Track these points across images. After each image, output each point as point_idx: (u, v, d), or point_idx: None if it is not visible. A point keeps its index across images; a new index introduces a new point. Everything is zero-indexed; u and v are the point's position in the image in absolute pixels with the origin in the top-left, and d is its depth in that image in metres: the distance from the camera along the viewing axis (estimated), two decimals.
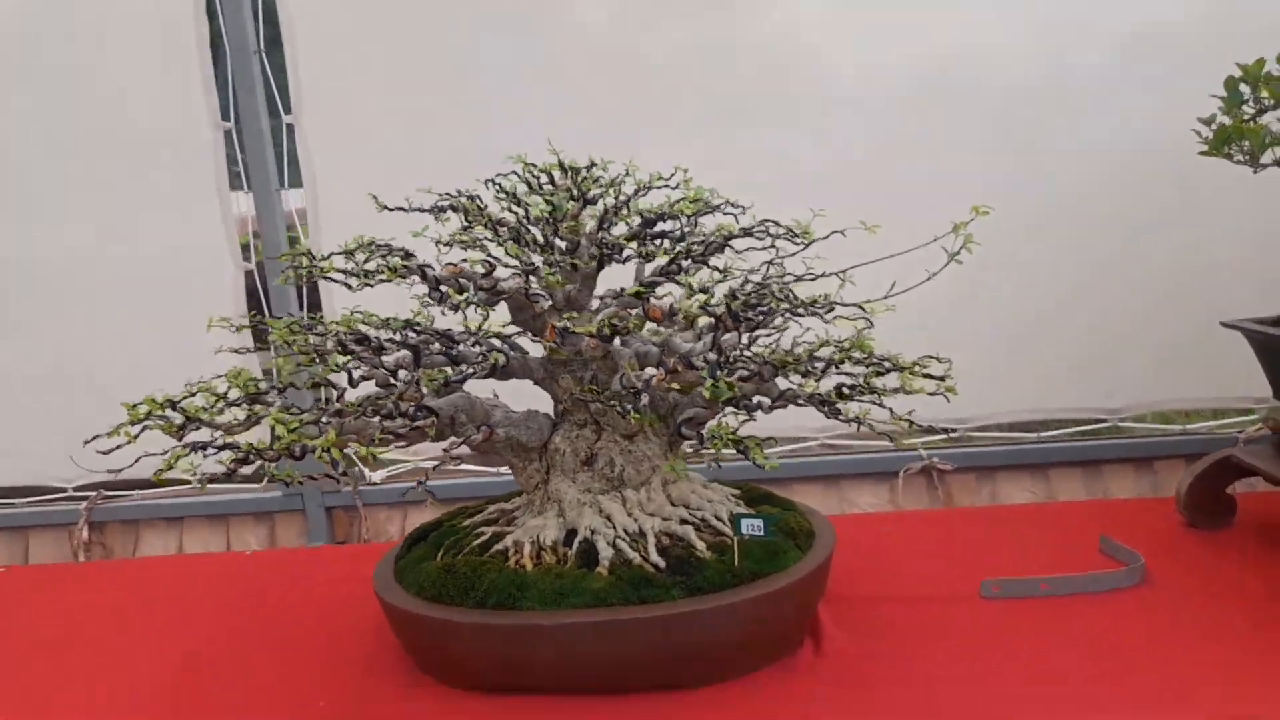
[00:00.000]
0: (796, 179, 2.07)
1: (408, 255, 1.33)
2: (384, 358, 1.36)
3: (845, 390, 1.35)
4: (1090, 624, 1.36)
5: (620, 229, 1.37)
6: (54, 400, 2.37)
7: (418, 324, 1.39)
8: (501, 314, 1.46)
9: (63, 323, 2.36)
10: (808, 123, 2.13)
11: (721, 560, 1.31)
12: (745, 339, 1.46)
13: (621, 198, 1.36)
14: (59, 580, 2.01)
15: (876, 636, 1.37)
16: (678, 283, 1.31)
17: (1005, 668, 1.27)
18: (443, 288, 1.36)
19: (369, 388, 1.37)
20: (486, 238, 1.35)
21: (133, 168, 2.27)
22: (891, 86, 2.11)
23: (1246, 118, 1.52)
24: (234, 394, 1.36)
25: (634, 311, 1.27)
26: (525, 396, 1.49)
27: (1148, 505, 1.82)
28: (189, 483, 1.23)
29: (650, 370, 1.19)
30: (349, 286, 1.30)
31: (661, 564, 1.30)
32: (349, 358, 1.32)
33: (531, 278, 1.29)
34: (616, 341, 1.44)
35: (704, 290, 1.42)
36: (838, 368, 1.35)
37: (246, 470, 1.26)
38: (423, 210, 1.37)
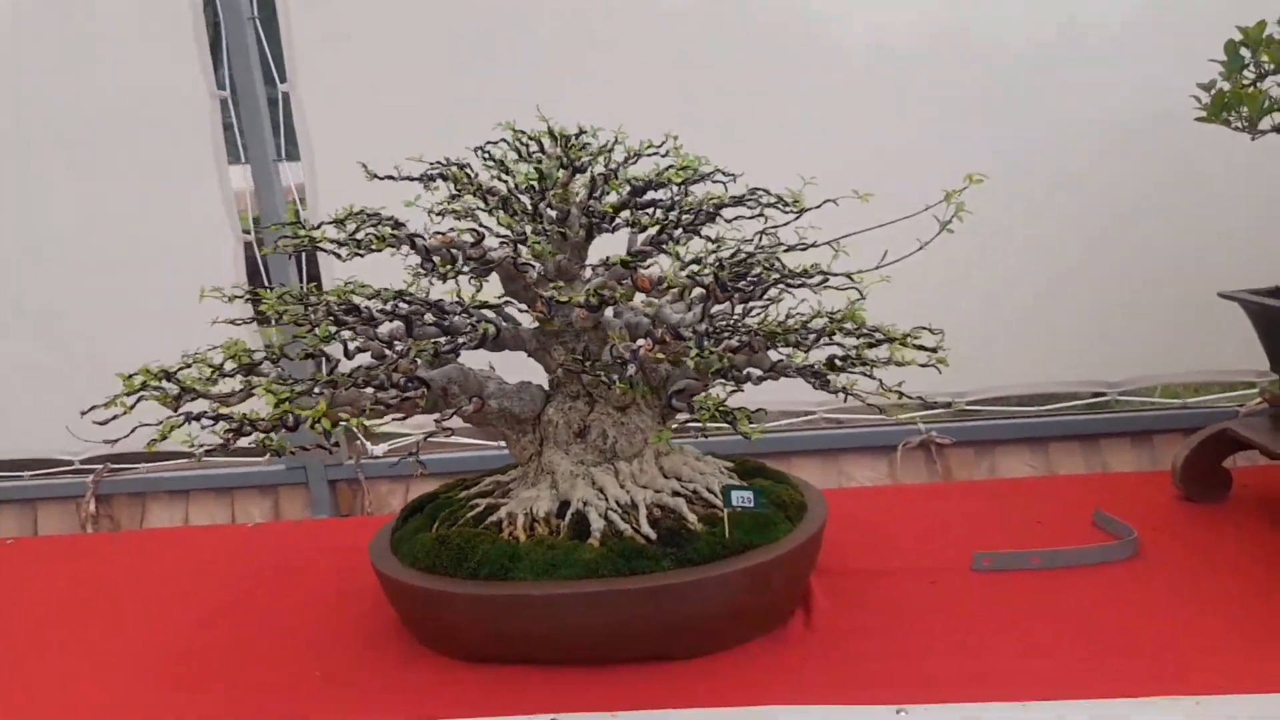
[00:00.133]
0: (803, 146, 2.06)
1: (397, 225, 1.32)
2: (379, 329, 1.37)
3: (837, 362, 1.35)
4: (1081, 597, 1.36)
5: (611, 198, 1.36)
6: (57, 372, 2.39)
7: (409, 295, 1.39)
8: (497, 285, 1.46)
9: (63, 295, 2.37)
10: (815, 90, 2.11)
11: (712, 532, 1.31)
12: (740, 310, 1.46)
13: (611, 165, 1.35)
14: (63, 552, 2.03)
15: (867, 608, 1.38)
16: (666, 252, 1.30)
17: (994, 640, 1.27)
18: (435, 258, 1.36)
19: (366, 359, 1.38)
20: (477, 207, 1.35)
21: (129, 139, 2.26)
22: (902, 51, 2.08)
23: (1246, 83, 1.49)
24: (230, 365, 1.37)
25: (624, 282, 1.26)
26: (520, 368, 1.50)
27: (1144, 479, 1.82)
28: (192, 455, 1.24)
29: (639, 341, 1.19)
30: (339, 256, 1.30)
31: (653, 535, 1.31)
32: (340, 328, 1.32)
33: (520, 247, 1.28)
34: (609, 312, 1.44)
35: (696, 261, 1.42)
36: (830, 339, 1.34)
37: (244, 442, 1.27)
38: (411, 179, 1.36)
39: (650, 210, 1.37)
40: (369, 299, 1.33)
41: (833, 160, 2.01)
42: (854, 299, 1.35)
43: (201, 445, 1.25)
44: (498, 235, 1.43)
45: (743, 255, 1.27)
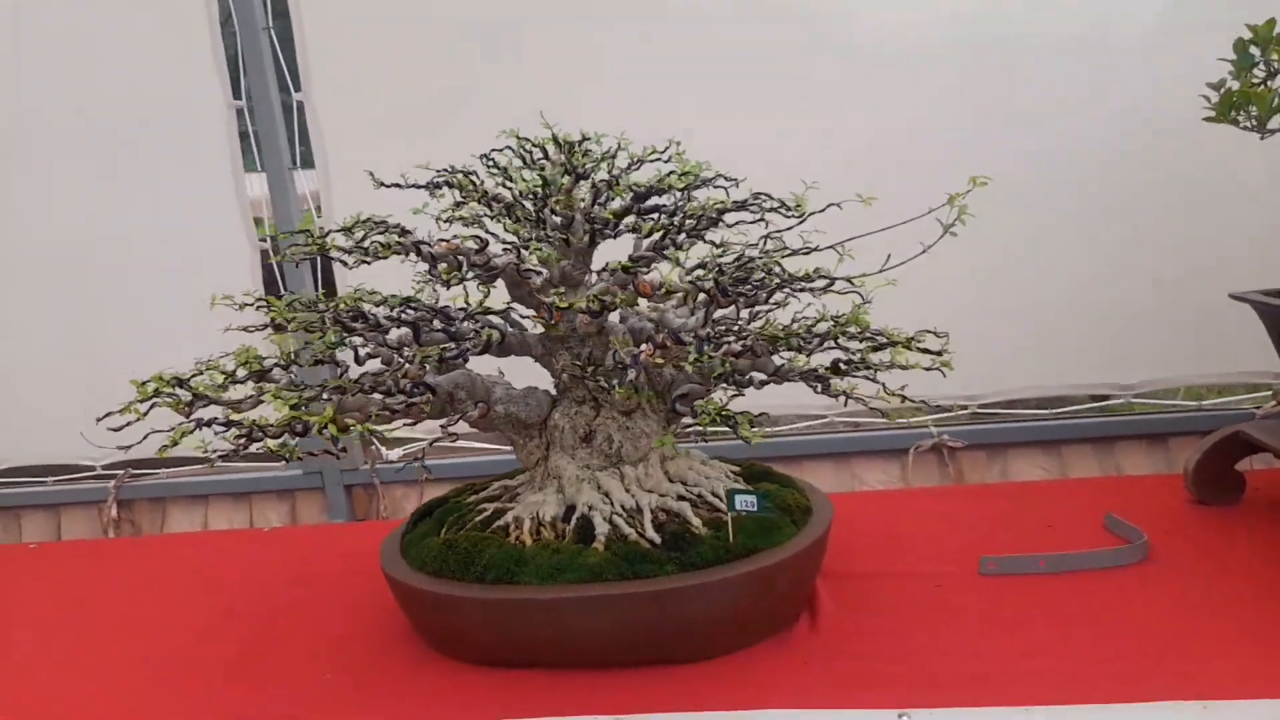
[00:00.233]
0: (833, 144, 2.07)
1: (404, 232, 1.34)
2: (388, 335, 1.39)
3: (841, 365, 1.35)
4: (1088, 601, 1.35)
5: (616, 203, 1.37)
6: (79, 379, 2.43)
7: (416, 301, 1.40)
8: (504, 291, 1.48)
9: (83, 303, 2.41)
10: (846, 86, 2.11)
11: (717, 536, 1.32)
12: (746, 314, 1.46)
13: (615, 171, 1.36)
14: (80, 557, 2.07)
15: (872, 612, 1.38)
16: (665, 258, 1.31)
17: (998, 644, 1.26)
18: (442, 264, 1.38)
19: (376, 365, 1.40)
20: (483, 214, 1.36)
21: (147, 148, 2.30)
22: (919, 51, 2.07)
23: (1257, 81, 1.48)
24: (241, 372, 1.39)
25: (627, 288, 1.27)
26: (530, 373, 1.51)
27: (1158, 482, 1.80)
28: (207, 460, 1.26)
29: (640, 346, 1.19)
30: (345, 264, 1.32)
31: (657, 540, 1.31)
32: (348, 334, 1.34)
33: (523, 253, 1.30)
34: (615, 317, 1.45)
35: (702, 265, 1.42)
36: (835, 342, 1.34)
37: (256, 448, 1.29)
38: (418, 186, 1.38)
39: (655, 215, 1.39)
40: (376, 305, 1.35)
41: (848, 161, 2.04)
42: (859, 303, 1.36)
43: (215, 450, 1.28)
44: (504, 242, 1.45)
45: (743, 260, 1.27)
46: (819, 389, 1.25)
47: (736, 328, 1.41)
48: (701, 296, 1.28)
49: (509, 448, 2.30)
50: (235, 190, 2.32)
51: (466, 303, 1.46)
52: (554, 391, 1.49)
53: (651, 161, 1.38)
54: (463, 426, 1.41)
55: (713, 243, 1.45)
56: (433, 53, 2.22)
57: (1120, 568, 1.43)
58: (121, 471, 2.52)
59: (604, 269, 1.32)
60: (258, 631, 1.53)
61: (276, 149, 2.28)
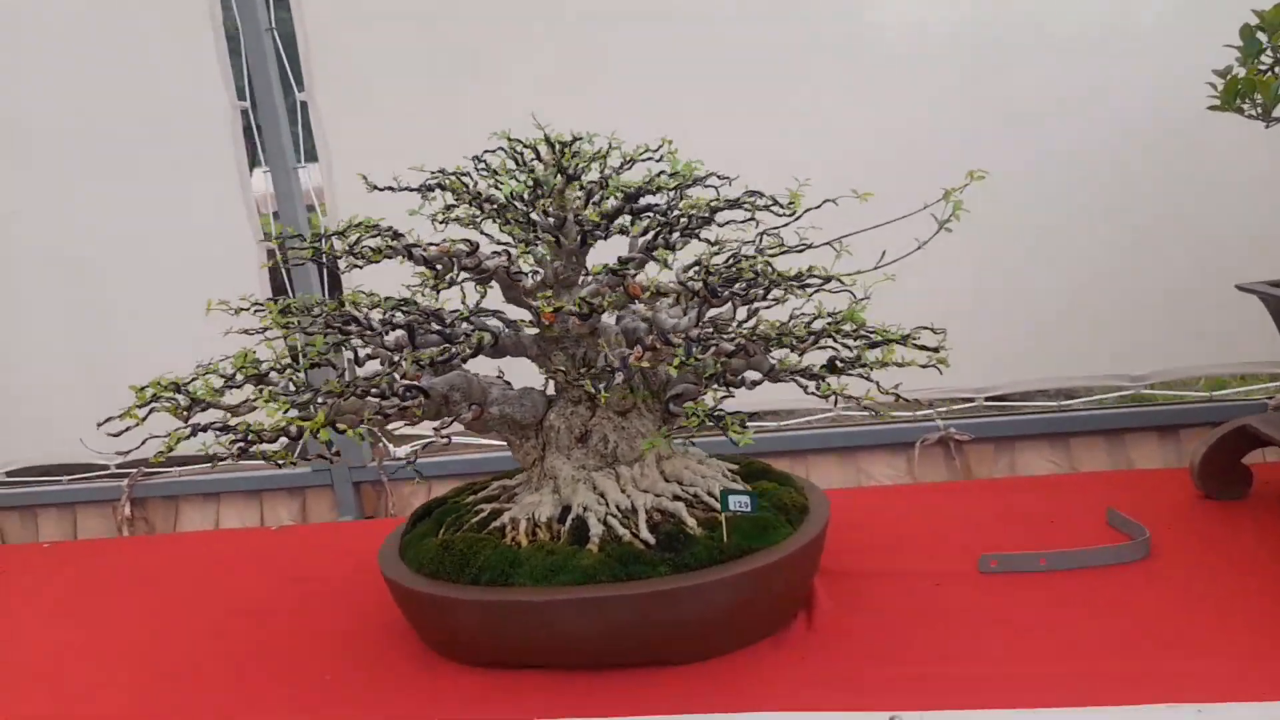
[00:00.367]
0: (836, 143, 2.05)
1: (396, 235, 1.34)
2: (387, 337, 1.39)
3: (838, 364, 1.34)
4: (1088, 600, 1.34)
5: (609, 203, 1.37)
6: (89, 378, 2.46)
7: (410, 303, 1.41)
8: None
9: (94, 303, 2.44)
10: (854, 81, 2.09)
11: (711, 536, 1.32)
12: (744, 311, 1.45)
13: (607, 172, 1.35)
14: (90, 556, 2.09)
15: (870, 611, 1.37)
16: (654, 259, 1.30)
17: (995, 645, 1.25)
18: (437, 266, 1.38)
19: (375, 367, 1.41)
20: (475, 216, 1.36)
21: (154, 151, 2.32)
22: (934, 47, 2.05)
23: (1263, 68, 1.45)
24: (240, 376, 1.40)
25: (617, 289, 1.27)
26: (531, 373, 1.51)
27: (1165, 476, 1.78)
28: (210, 460, 1.27)
29: (631, 347, 1.19)
30: (336, 269, 1.32)
31: (651, 540, 1.31)
32: (345, 338, 1.35)
33: (512, 254, 1.29)
34: (610, 318, 1.45)
35: (698, 263, 1.42)
36: (834, 339, 1.34)
37: (253, 451, 1.30)
38: (410, 189, 1.38)
39: (648, 215, 1.38)
40: (371, 309, 1.35)
41: (852, 159, 2.02)
42: (858, 299, 1.34)
43: (215, 452, 1.29)
44: (499, 243, 1.44)
45: (733, 260, 1.26)
46: (809, 389, 1.24)
47: (733, 326, 1.41)
48: (693, 297, 1.27)
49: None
50: (241, 191, 2.34)
51: (464, 304, 1.47)
52: (551, 392, 1.49)
53: (643, 161, 1.38)
54: (460, 427, 1.42)
55: (708, 241, 1.45)
56: (435, 51, 2.21)
57: (1122, 565, 1.41)
58: (134, 470, 2.55)
59: (596, 270, 1.31)
60: (260, 632, 1.55)
61: (280, 149, 2.29)
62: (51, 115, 2.36)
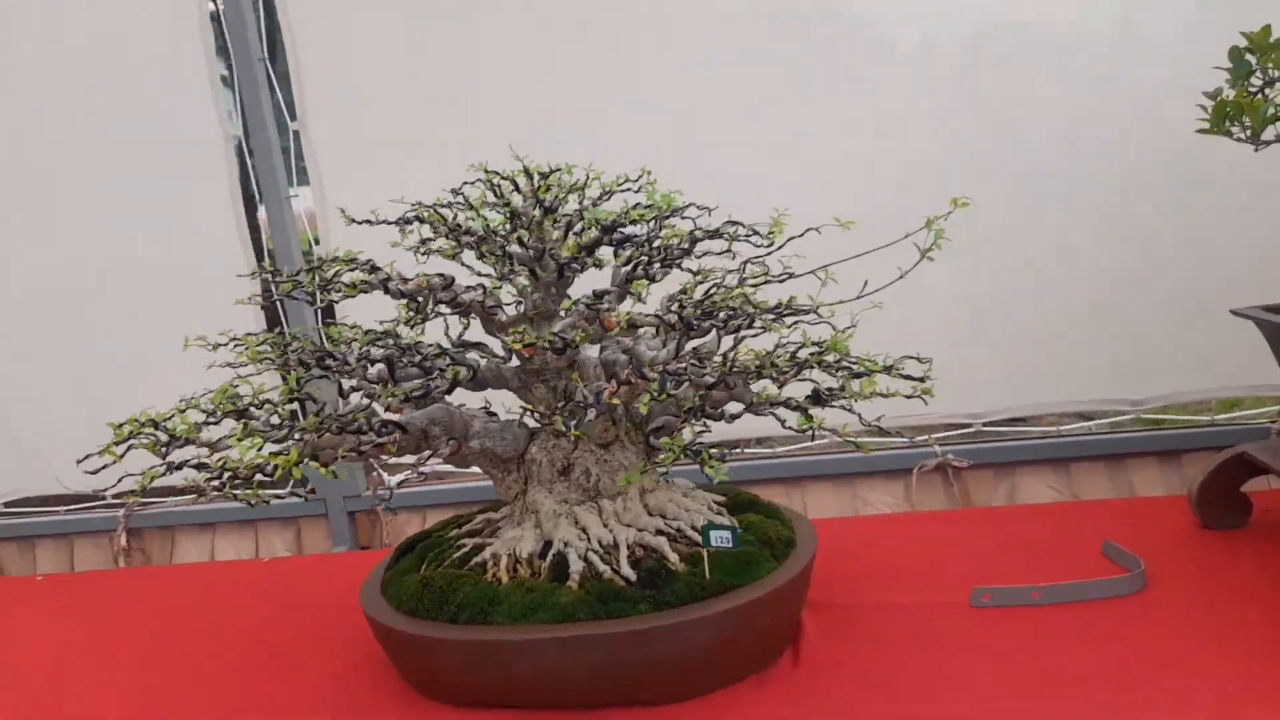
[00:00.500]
0: (849, 155, 2.04)
1: (373, 269, 1.33)
2: (370, 371, 1.38)
3: (822, 394, 1.32)
4: (1081, 634, 1.30)
5: (590, 234, 1.36)
6: (89, 410, 2.45)
7: (391, 336, 1.40)
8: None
9: (87, 335, 2.44)
10: (860, 91, 2.08)
11: (693, 572, 1.29)
12: (730, 341, 1.43)
13: (585, 203, 1.34)
14: (77, 589, 2.08)
15: (859, 646, 1.34)
16: (629, 293, 1.28)
17: (984, 681, 1.22)
18: (419, 299, 1.37)
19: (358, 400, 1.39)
20: (450, 249, 1.35)
21: (147, 181, 2.33)
22: (947, 54, 2.04)
23: (1253, 90, 1.43)
24: (220, 411, 1.39)
25: (593, 323, 1.25)
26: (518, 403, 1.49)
27: (1164, 504, 1.74)
28: (203, 493, 1.25)
29: (603, 383, 1.17)
30: (310, 303, 1.31)
31: (632, 576, 1.29)
32: (319, 373, 1.34)
33: (488, 288, 1.28)
34: (595, 349, 1.43)
35: (684, 292, 1.40)
36: (817, 368, 1.31)
37: (228, 493, 1.28)
38: (388, 222, 1.37)
39: (629, 245, 1.36)
40: (348, 343, 1.34)
41: (854, 175, 2.02)
42: (842, 329, 1.32)
43: (193, 484, 1.28)
44: (480, 274, 1.43)
45: (714, 289, 1.25)
46: (786, 423, 1.21)
47: (719, 358, 1.39)
48: (670, 330, 1.26)
49: None
50: (236, 221, 2.34)
51: (447, 335, 1.45)
52: (532, 424, 1.47)
53: (621, 192, 1.36)
54: (440, 461, 1.40)
55: (691, 271, 1.43)
56: (427, 79, 2.22)
57: (1118, 598, 1.38)
58: (130, 500, 2.54)
59: (566, 306, 1.30)
60: (238, 669, 1.52)
61: (274, 179, 2.30)
62: (46, 145, 2.37)
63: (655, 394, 1.11)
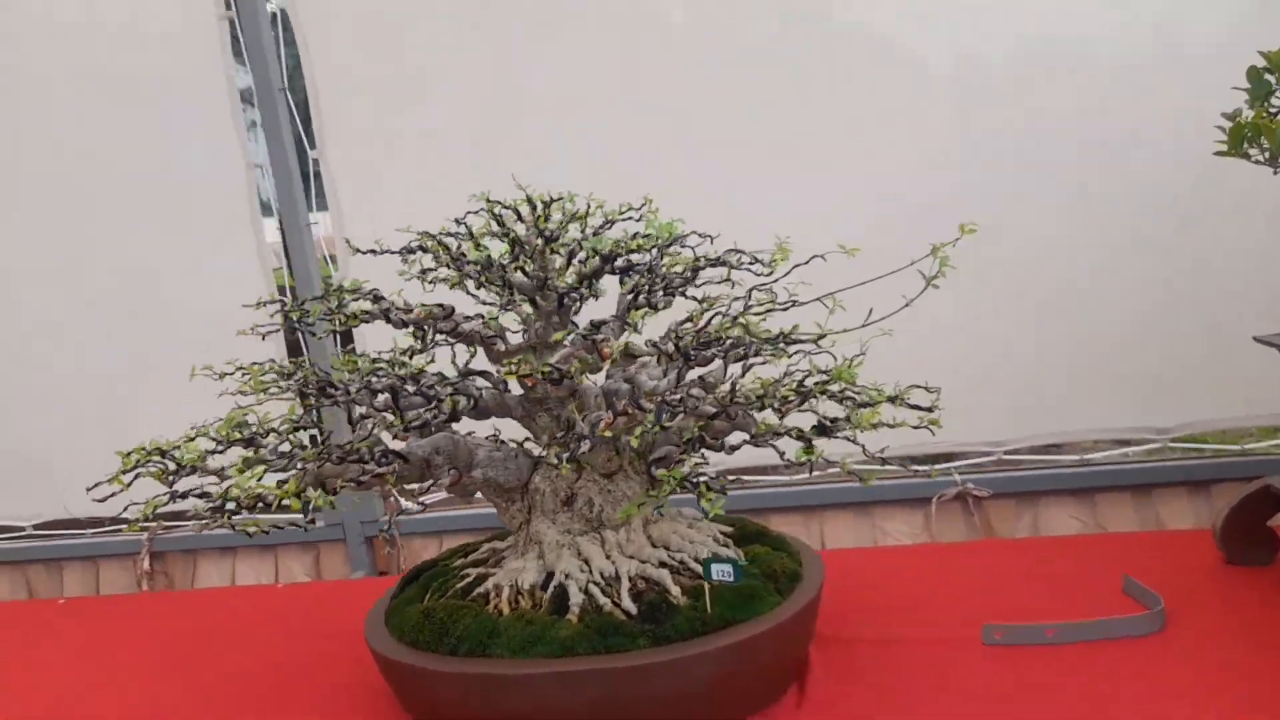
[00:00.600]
0: (885, 178, 2.03)
1: (377, 299, 1.34)
2: (377, 399, 1.38)
3: (827, 424, 1.30)
4: (1095, 675, 1.26)
5: (592, 263, 1.35)
6: (112, 433, 2.49)
7: (399, 364, 1.40)
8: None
9: (113, 358, 2.48)
10: (897, 115, 2.05)
11: (694, 606, 1.27)
12: (739, 369, 1.42)
13: (587, 231, 1.34)
14: (95, 613, 2.10)
15: (864, 685, 1.31)
16: (626, 323, 1.27)
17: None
18: (424, 328, 1.37)
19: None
20: (456, 277, 1.35)
21: (171, 210, 2.37)
22: (985, 76, 2.01)
23: (1273, 110, 1.39)
24: (226, 440, 1.40)
25: (593, 353, 1.24)
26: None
27: (1189, 537, 1.68)
28: (204, 519, 1.26)
29: (600, 414, 1.16)
30: (312, 334, 1.32)
31: (633, 610, 1.27)
32: (327, 401, 1.34)
33: (485, 318, 1.28)
34: (601, 376, 1.42)
35: (689, 320, 1.39)
36: (821, 397, 1.29)
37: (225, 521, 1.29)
38: (391, 252, 1.38)
39: (630, 274, 1.36)
40: (350, 372, 1.35)
41: (874, 199, 1.99)
42: (850, 358, 1.30)
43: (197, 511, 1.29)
44: (484, 303, 1.43)
45: (714, 316, 1.23)
46: (785, 456, 1.19)
47: (723, 386, 1.37)
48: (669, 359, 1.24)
49: None
50: (257, 251, 2.37)
51: (455, 364, 1.45)
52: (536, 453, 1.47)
53: (623, 220, 1.36)
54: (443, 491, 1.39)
55: (695, 298, 1.42)
56: (443, 111, 2.23)
57: (1135, 637, 1.33)
58: (153, 524, 2.57)
59: (558, 338, 1.29)
60: (245, 698, 1.53)
61: (293, 207, 2.32)
62: (68, 175, 2.42)
63: (649, 426, 1.10)
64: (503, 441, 1.49)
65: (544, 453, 1.25)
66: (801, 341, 1.26)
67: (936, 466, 2.12)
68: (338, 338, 2.40)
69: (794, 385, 1.30)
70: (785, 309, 1.32)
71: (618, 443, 1.35)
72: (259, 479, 1.23)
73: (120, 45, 2.33)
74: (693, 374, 1.37)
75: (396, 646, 1.35)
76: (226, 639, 1.80)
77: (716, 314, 1.34)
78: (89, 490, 1.36)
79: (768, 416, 1.25)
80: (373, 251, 1.38)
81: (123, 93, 2.35)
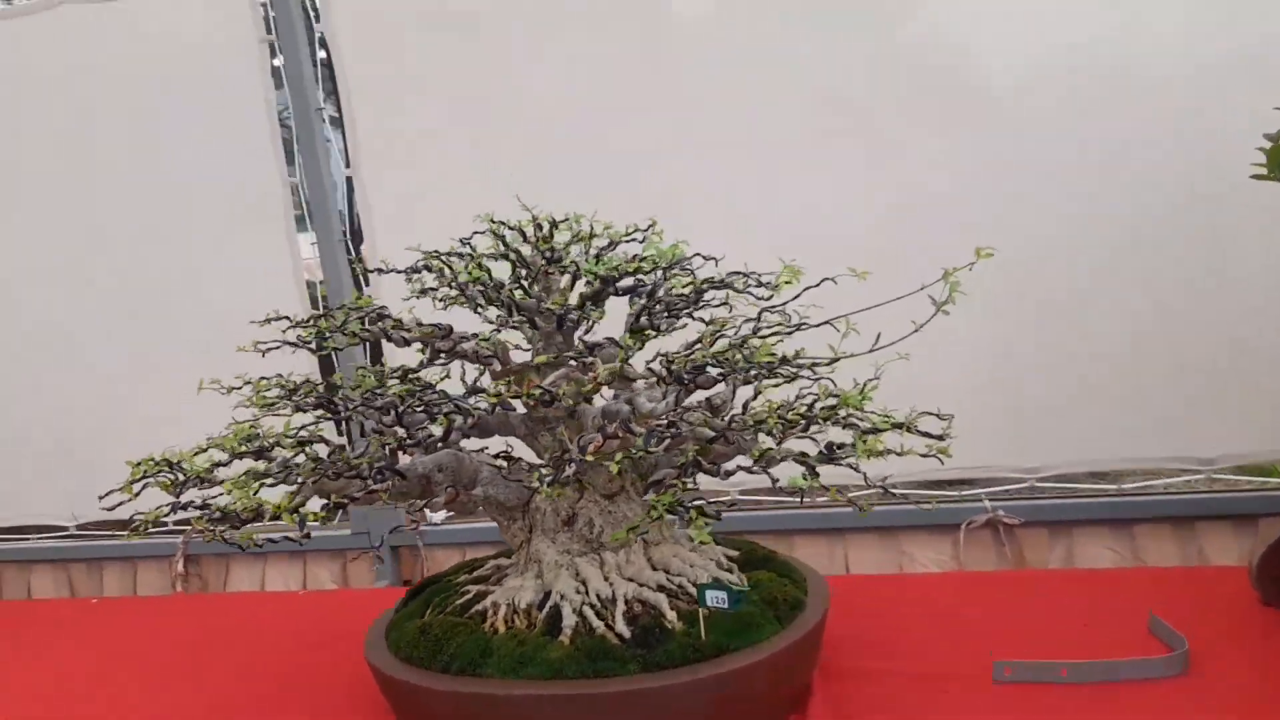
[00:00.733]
0: (885, 178, 1.99)
1: (380, 318, 1.34)
2: (386, 416, 1.39)
3: (835, 449, 1.26)
4: (1112, 718, 1.20)
5: (593, 286, 1.34)
6: (144, 439, 2.55)
7: (410, 380, 1.40)
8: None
9: (148, 369, 2.55)
10: (953, 129, 2.02)
11: (689, 632, 1.24)
12: (751, 390, 1.39)
13: (591, 252, 1.33)
14: (119, 614, 2.14)
15: (868, 718, 1.27)
16: (619, 345, 1.26)
17: None
18: (435, 345, 1.37)
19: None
20: (457, 298, 1.35)
21: (210, 228, 2.42)
22: (1046, 86, 1.96)
23: None
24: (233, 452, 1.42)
25: (588, 375, 1.23)
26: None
27: (1227, 574, 1.60)
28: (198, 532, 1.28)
29: (590, 437, 1.15)
30: (312, 350, 1.33)
31: (626, 634, 1.25)
32: (327, 414, 1.35)
33: (480, 337, 1.28)
34: (609, 394, 1.41)
35: (699, 341, 1.37)
36: (824, 423, 1.25)
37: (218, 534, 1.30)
38: (398, 271, 1.38)
39: (638, 296, 1.34)
40: (353, 389, 1.35)
41: (881, 220, 1.95)
42: (864, 381, 1.26)
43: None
44: (491, 322, 1.43)
45: (711, 344, 1.21)
46: (778, 483, 1.16)
47: (730, 409, 1.35)
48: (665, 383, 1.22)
49: None
50: (293, 267, 2.42)
51: (464, 381, 1.45)
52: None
53: (628, 241, 1.34)
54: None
55: (702, 320, 1.39)
56: (475, 127, 2.25)
57: (1154, 680, 1.27)
58: (188, 527, 2.62)
59: (542, 360, 1.28)
60: (250, 701, 1.54)
61: (328, 222, 2.36)
62: (111, 192, 2.50)
63: (634, 451, 1.08)
64: (514, 460, 1.48)
65: (529, 474, 1.24)
66: (808, 365, 1.22)
67: (968, 492, 2.06)
68: (367, 350, 2.43)
69: (802, 410, 1.27)
70: (790, 333, 1.29)
71: (621, 464, 1.34)
72: (255, 493, 1.23)
73: (161, 65, 2.40)
74: (696, 397, 1.34)
75: (393, 662, 1.34)
76: (240, 643, 1.82)
77: (722, 337, 1.32)
78: (101, 498, 1.39)
79: (763, 442, 1.22)
80: (379, 270, 1.39)
81: (165, 107, 2.41)
